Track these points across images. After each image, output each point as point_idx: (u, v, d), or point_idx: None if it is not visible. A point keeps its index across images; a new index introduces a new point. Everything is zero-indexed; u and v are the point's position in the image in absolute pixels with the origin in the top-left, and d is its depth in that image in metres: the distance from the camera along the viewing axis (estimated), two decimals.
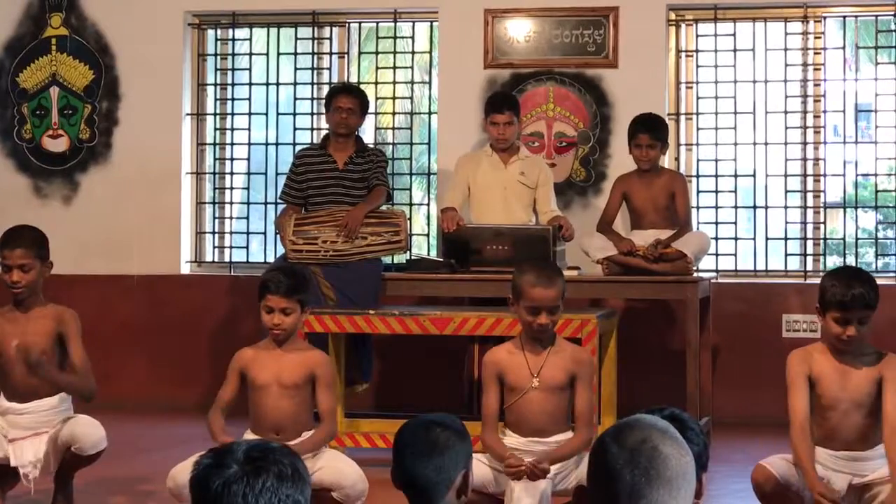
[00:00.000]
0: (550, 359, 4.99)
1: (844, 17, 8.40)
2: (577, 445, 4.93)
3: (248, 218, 8.89)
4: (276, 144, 8.89)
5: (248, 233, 8.88)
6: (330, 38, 8.86)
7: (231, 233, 9.00)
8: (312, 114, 8.81)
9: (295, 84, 8.91)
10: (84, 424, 5.43)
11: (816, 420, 4.72)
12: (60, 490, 5.56)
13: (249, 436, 5.18)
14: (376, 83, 9.02)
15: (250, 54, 8.98)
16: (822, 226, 8.29)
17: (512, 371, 4.99)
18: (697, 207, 8.33)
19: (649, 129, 7.44)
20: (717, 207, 8.40)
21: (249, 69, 8.97)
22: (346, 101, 7.51)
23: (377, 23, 8.96)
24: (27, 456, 5.42)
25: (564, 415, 5.04)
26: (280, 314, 5.15)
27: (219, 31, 9.01)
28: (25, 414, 5.47)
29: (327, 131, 7.74)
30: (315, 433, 5.10)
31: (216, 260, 8.92)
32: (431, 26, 8.77)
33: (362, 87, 8.23)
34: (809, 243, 8.31)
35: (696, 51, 8.47)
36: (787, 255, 8.34)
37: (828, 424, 4.71)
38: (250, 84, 8.96)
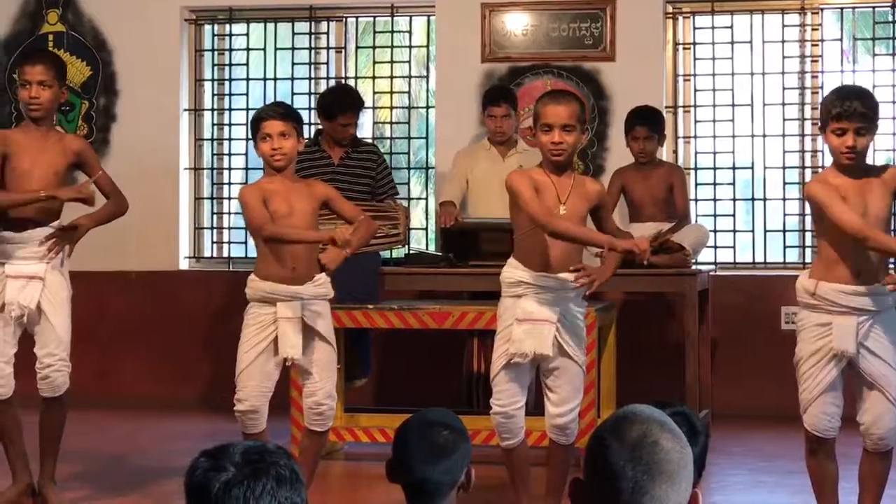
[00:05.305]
0: (575, 190, 5.04)
1: (842, 8, 8.40)
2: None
3: None
4: None
5: (246, 228, 8.85)
6: (327, 33, 8.85)
7: (230, 228, 8.99)
8: (310, 109, 8.78)
9: (292, 79, 8.90)
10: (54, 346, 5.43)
11: (835, 239, 4.72)
12: (46, 470, 5.54)
13: (256, 283, 5.28)
14: (374, 78, 9.01)
15: (247, 49, 8.97)
16: None
17: (542, 191, 4.99)
18: (695, 200, 8.32)
19: (646, 122, 7.44)
20: (715, 200, 8.40)
21: (247, 64, 8.96)
22: (350, 117, 7.41)
23: (374, 17, 8.95)
24: (18, 298, 5.38)
25: (577, 250, 5.10)
26: (279, 138, 5.18)
27: (216, 27, 9.01)
28: (20, 244, 5.43)
29: (320, 126, 7.70)
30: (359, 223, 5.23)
31: (215, 255, 8.92)
32: (428, 20, 8.77)
33: (359, 81, 8.22)
34: (808, 235, 8.31)
35: (694, 43, 8.46)
36: (785, 247, 8.34)
37: (848, 244, 4.69)
38: (248, 79, 8.95)
